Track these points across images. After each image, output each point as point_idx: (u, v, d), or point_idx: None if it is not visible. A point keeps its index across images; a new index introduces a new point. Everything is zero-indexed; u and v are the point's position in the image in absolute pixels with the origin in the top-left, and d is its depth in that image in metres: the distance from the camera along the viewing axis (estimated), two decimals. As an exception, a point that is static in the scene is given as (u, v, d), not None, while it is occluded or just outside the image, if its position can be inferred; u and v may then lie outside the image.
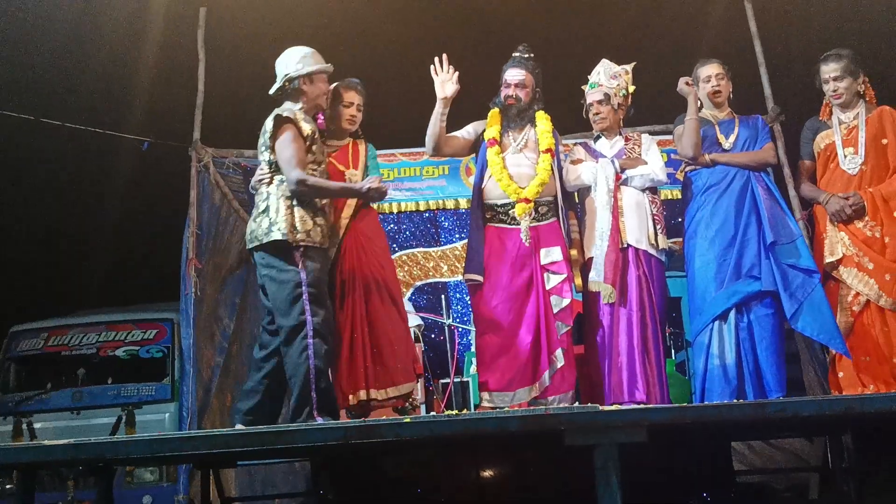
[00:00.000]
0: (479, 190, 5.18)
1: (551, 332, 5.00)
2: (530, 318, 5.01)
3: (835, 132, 5.22)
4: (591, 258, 5.23)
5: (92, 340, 7.50)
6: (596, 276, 5.16)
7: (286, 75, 4.88)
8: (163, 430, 6.82)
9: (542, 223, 5.12)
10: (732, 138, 5.33)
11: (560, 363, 4.99)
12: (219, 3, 7.89)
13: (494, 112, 5.27)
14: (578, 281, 5.16)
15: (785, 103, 7.17)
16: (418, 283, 7.98)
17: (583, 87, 5.51)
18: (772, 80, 7.33)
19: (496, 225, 5.13)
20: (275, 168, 4.75)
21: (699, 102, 5.39)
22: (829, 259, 5.11)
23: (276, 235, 4.63)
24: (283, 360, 4.60)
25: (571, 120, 6.10)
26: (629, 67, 5.47)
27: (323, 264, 4.71)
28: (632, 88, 5.46)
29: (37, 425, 6.87)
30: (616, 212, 5.20)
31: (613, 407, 4.15)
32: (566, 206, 5.24)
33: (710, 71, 5.40)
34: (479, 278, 5.05)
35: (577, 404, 4.86)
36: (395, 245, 8.00)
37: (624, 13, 8.35)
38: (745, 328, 5.09)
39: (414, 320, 6.88)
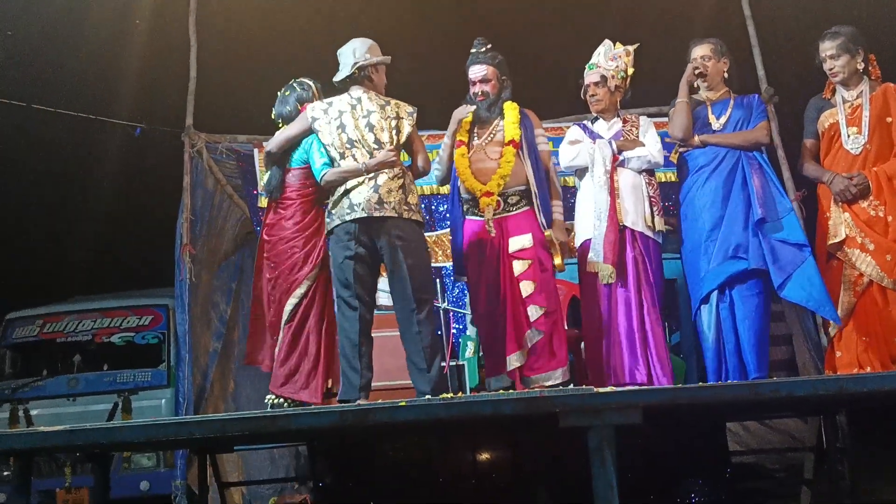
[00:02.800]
0: (455, 188, 5.31)
1: (520, 317, 5.04)
2: (503, 305, 5.07)
3: (839, 111, 5.12)
4: (588, 240, 5.23)
5: (87, 327, 7.49)
6: (595, 256, 5.14)
7: (356, 63, 4.97)
8: (159, 415, 6.83)
9: (511, 213, 5.17)
10: (724, 119, 5.30)
11: (530, 343, 5.01)
12: (210, -12, 7.87)
13: (473, 109, 5.34)
14: (559, 261, 5.14)
15: (778, 84, 7.17)
16: (413, 268, 7.96)
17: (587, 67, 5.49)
18: (765, 61, 7.33)
19: (471, 217, 5.24)
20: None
21: (696, 84, 5.38)
22: (832, 240, 5.05)
23: (417, 217, 4.86)
24: (414, 330, 4.77)
25: (565, 103, 6.10)
26: (631, 48, 5.42)
27: None
28: (631, 71, 5.42)
29: (33, 412, 6.87)
30: (613, 193, 5.19)
31: (608, 389, 4.16)
32: (547, 190, 5.24)
33: (696, 52, 5.37)
34: (464, 278, 5.26)
35: (571, 385, 4.86)
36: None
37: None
38: (726, 307, 5.10)
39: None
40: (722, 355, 5.09)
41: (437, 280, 7.41)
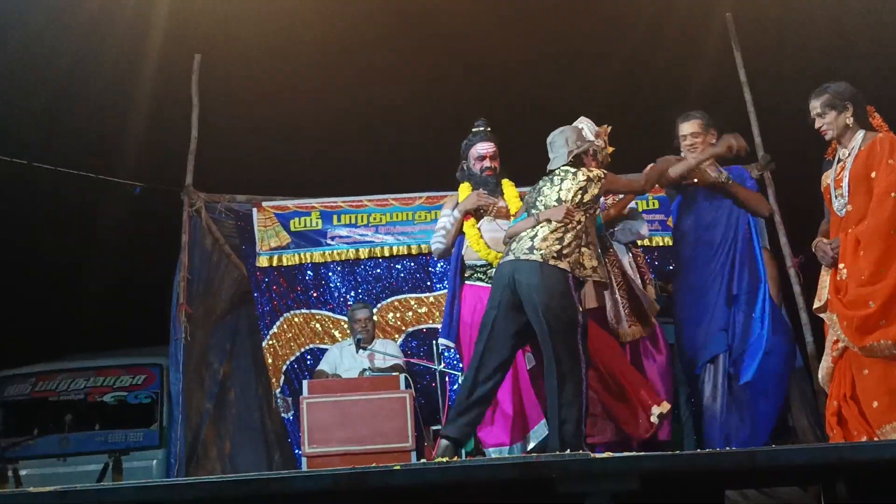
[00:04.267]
0: (457, 259, 5.46)
1: (529, 388, 5.18)
2: (512, 375, 5.12)
3: (831, 172, 4.90)
4: (595, 308, 5.28)
5: (80, 386, 7.44)
6: (615, 320, 5.26)
7: (592, 142, 5.25)
8: (150, 477, 6.75)
9: None
10: (724, 176, 5.40)
11: (540, 438, 5.15)
12: (213, 50, 7.96)
13: (465, 186, 5.61)
14: None
15: (776, 149, 7.24)
16: (410, 329, 7.93)
17: None
18: (762, 127, 7.40)
19: (474, 283, 5.38)
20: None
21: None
22: (816, 304, 5.00)
23: (565, 266, 4.74)
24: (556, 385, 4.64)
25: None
26: (608, 127, 5.60)
27: None
28: (610, 149, 5.57)
29: (23, 472, 6.78)
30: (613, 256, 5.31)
31: (606, 454, 4.12)
32: None
33: (685, 130, 5.44)
34: (451, 344, 5.38)
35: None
36: (387, 290, 7.99)
37: (613, 61, 8.44)
38: (725, 371, 5.21)
39: (390, 362, 6.86)
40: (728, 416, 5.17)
41: (434, 342, 7.39)
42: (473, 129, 5.63)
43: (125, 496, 3.91)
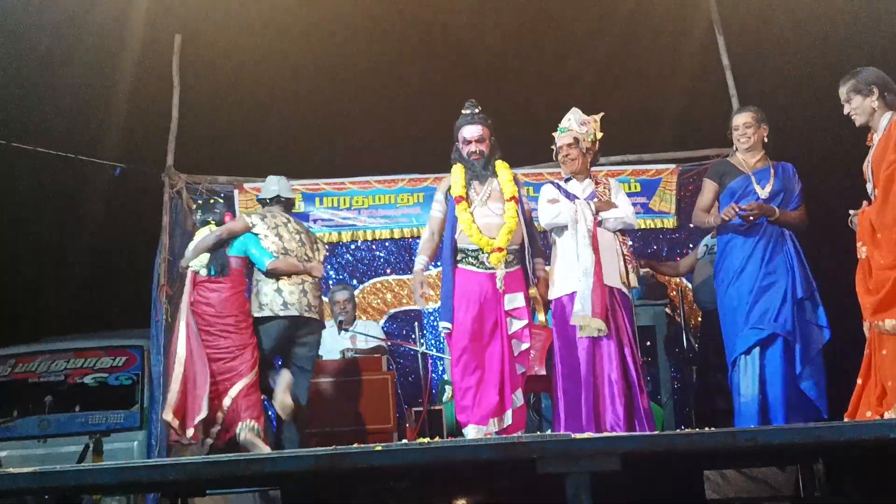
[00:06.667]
0: (450, 239, 5.39)
1: (513, 374, 5.19)
2: (496, 359, 5.19)
3: (867, 157, 4.83)
4: (565, 295, 5.34)
5: (60, 367, 7.40)
6: (583, 309, 5.22)
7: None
8: (131, 458, 6.74)
9: (508, 270, 5.32)
10: (768, 188, 5.44)
11: (519, 403, 5.19)
12: (193, 31, 7.90)
13: (458, 167, 5.50)
14: (542, 317, 5.36)
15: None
16: (392, 311, 7.96)
17: (553, 134, 5.62)
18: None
19: (465, 267, 5.33)
20: None
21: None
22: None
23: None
24: None
25: (543, 154, 6.18)
26: (597, 117, 5.63)
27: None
28: (599, 135, 5.61)
29: (2, 453, 6.75)
30: (597, 250, 5.33)
31: (586, 435, 4.14)
32: (532, 249, 5.47)
33: (738, 121, 5.58)
34: (450, 325, 5.26)
35: (549, 432, 4.86)
36: (369, 272, 7.99)
37: (598, 46, 8.43)
38: (766, 364, 5.26)
39: (372, 343, 6.86)
40: (766, 409, 5.24)
41: (416, 323, 7.41)
42: (463, 111, 5.55)
43: (106, 477, 3.90)
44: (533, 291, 5.35)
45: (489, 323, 5.23)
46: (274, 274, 5.77)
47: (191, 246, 5.97)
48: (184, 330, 5.67)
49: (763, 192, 5.42)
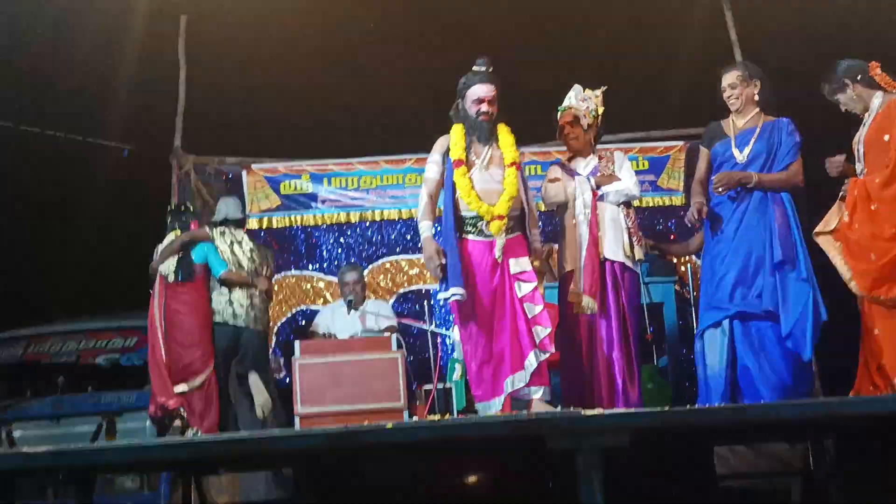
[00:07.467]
0: (450, 207, 5.11)
1: (523, 338, 4.95)
2: (506, 326, 4.99)
3: (856, 136, 4.94)
4: (571, 271, 5.36)
5: (72, 348, 7.43)
6: (575, 286, 5.25)
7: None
8: (143, 437, 6.76)
9: (509, 237, 5.09)
10: (746, 151, 5.20)
11: (532, 367, 4.91)
12: (199, 12, 7.89)
13: (458, 127, 5.17)
14: (541, 289, 5.16)
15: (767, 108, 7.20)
16: (401, 291, 7.98)
17: (557, 110, 5.60)
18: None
19: (466, 237, 5.09)
20: None
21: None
22: (818, 229, 4.99)
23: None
24: None
25: (547, 132, 6.14)
26: (599, 92, 5.55)
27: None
28: (601, 110, 5.54)
29: (16, 434, 6.79)
30: (594, 226, 5.31)
31: (596, 411, 4.15)
32: (529, 220, 5.24)
33: (724, 82, 5.32)
34: (463, 291, 4.95)
35: (559, 408, 4.87)
36: (379, 252, 8.01)
37: (603, 20, 8.38)
38: (740, 337, 5.10)
39: (382, 323, 6.87)
40: (735, 383, 5.09)
41: (425, 302, 7.43)
42: (474, 68, 5.18)
43: (119, 456, 3.93)
44: (536, 263, 5.14)
45: (492, 293, 5.02)
46: (226, 283, 6.50)
47: (159, 248, 6.60)
48: (159, 334, 6.41)
49: (741, 157, 5.18)
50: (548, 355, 4.93)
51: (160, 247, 6.65)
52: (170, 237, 6.64)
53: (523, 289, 5.01)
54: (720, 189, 5.13)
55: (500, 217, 5.02)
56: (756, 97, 5.28)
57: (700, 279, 5.42)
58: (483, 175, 5.08)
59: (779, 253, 4.99)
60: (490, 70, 5.16)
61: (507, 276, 5.04)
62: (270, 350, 7.48)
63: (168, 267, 6.55)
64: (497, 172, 5.10)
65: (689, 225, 5.32)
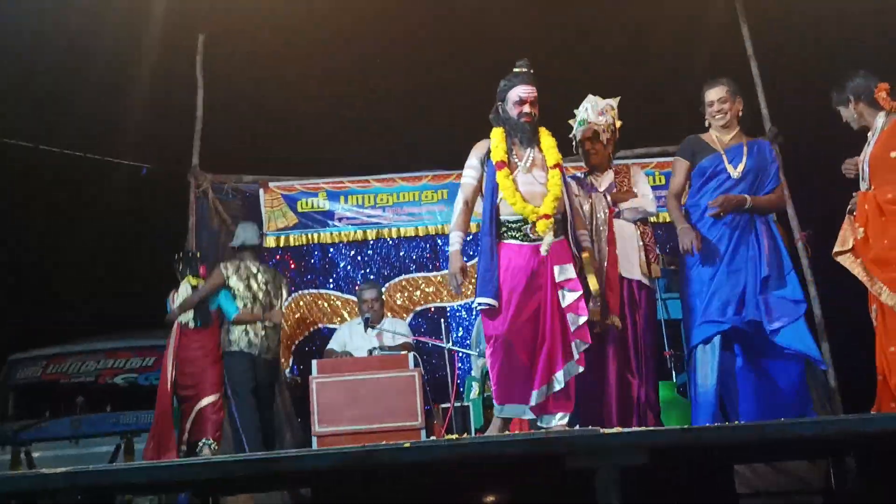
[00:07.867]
0: (490, 212, 4.96)
1: (556, 351, 4.83)
2: (545, 336, 4.85)
3: (862, 153, 4.92)
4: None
5: (90, 368, 7.47)
6: (595, 306, 5.13)
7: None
8: (162, 457, 6.77)
9: (555, 240, 4.93)
10: (741, 168, 5.16)
11: (564, 380, 4.81)
12: (217, 31, 7.93)
13: (498, 131, 5.06)
14: (595, 285, 4.99)
15: (781, 121, 7.19)
16: (418, 308, 7.97)
17: (570, 122, 5.58)
18: (768, 100, 7.35)
19: (508, 241, 4.94)
20: None
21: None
22: (837, 249, 4.92)
23: None
24: None
25: (563, 147, 6.13)
26: (614, 102, 5.50)
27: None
28: (619, 123, 5.51)
29: (35, 454, 6.82)
30: (612, 243, 5.29)
31: (615, 430, 4.13)
32: (575, 221, 5.09)
33: (711, 96, 5.25)
34: (494, 303, 4.84)
35: (577, 427, 4.83)
36: (395, 270, 8.00)
37: (618, 33, 8.39)
38: (725, 355, 5.12)
39: (399, 341, 6.84)
40: (724, 400, 5.11)
41: (442, 320, 7.41)
42: (515, 70, 5.04)
43: (137, 476, 3.93)
44: (587, 255, 4.98)
45: (535, 300, 4.85)
46: (239, 324, 6.74)
47: (177, 301, 6.77)
48: (169, 380, 6.53)
49: (735, 172, 5.14)
50: (581, 369, 4.82)
51: (174, 295, 6.82)
52: (184, 285, 6.81)
53: (567, 298, 4.86)
54: (721, 213, 5.10)
55: (547, 216, 4.87)
56: (739, 114, 5.27)
57: (688, 294, 5.28)
58: (526, 177, 4.95)
59: (765, 269, 5.01)
60: (531, 71, 5.05)
61: (550, 282, 4.89)
62: (288, 369, 7.49)
63: (187, 316, 6.73)
64: (540, 175, 4.97)
65: (683, 253, 5.22)
